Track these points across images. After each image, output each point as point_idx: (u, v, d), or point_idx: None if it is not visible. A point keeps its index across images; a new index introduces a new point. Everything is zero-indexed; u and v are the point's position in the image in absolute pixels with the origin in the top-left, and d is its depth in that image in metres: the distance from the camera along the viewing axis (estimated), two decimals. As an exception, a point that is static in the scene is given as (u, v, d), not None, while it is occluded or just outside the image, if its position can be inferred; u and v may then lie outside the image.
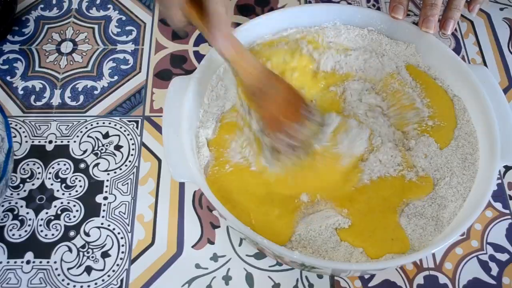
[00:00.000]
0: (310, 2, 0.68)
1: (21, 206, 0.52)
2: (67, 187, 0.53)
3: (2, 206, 0.52)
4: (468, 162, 0.49)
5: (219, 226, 0.51)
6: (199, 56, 0.62)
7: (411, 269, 0.49)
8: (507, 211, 0.53)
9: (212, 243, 0.50)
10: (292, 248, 0.45)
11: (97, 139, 0.56)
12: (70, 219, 0.51)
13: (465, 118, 0.51)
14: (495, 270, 0.50)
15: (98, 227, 0.51)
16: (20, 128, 0.56)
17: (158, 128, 0.57)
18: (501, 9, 0.68)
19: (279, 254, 0.44)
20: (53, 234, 0.50)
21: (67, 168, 0.54)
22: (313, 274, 0.49)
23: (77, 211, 0.52)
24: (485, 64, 0.62)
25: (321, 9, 0.56)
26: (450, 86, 0.53)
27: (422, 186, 0.48)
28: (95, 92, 0.60)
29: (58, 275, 0.48)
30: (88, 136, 0.56)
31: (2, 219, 0.51)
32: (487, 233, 0.51)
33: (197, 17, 0.43)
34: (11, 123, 0.56)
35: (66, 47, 0.63)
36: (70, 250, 0.50)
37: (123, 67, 0.62)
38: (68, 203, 0.52)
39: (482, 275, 0.49)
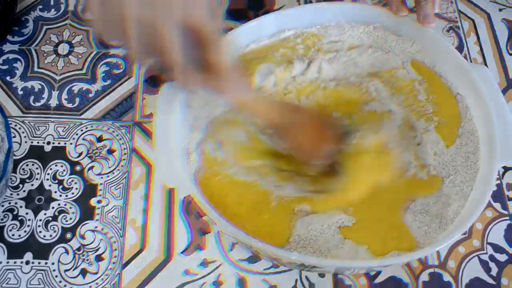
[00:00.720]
0: (310, 2, 0.66)
1: (21, 207, 0.52)
2: (64, 188, 0.53)
3: (2, 206, 0.52)
4: (470, 161, 0.48)
5: (209, 232, 0.51)
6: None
7: (416, 266, 0.50)
8: (506, 212, 0.52)
9: (202, 248, 0.51)
10: (290, 249, 0.45)
11: (92, 142, 0.56)
12: (67, 220, 0.52)
13: (468, 117, 0.51)
14: (494, 270, 0.50)
15: (93, 230, 0.51)
16: (20, 128, 0.57)
17: (149, 133, 0.56)
18: (500, 10, 0.66)
19: (277, 257, 0.44)
20: (51, 235, 0.51)
21: (64, 170, 0.55)
22: (314, 273, 0.49)
23: (73, 213, 0.52)
24: (486, 64, 0.61)
25: (322, 8, 0.55)
26: (453, 84, 0.53)
27: (430, 184, 0.48)
28: (90, 95, 0.59)
29: (56, 276, 0.49)
30: (83, 139, 0.56)
31: (2, 219, 0.52)
32: (487, 233, 0.51)
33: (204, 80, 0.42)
34: (10, 123, 0.57)
35: (63, 49, 0.63)
36: (67, 252, 0.50)
37: (115, 71, 0.61)
38: (65, 204, 0.53)
39: (482, 275, 0.50)
